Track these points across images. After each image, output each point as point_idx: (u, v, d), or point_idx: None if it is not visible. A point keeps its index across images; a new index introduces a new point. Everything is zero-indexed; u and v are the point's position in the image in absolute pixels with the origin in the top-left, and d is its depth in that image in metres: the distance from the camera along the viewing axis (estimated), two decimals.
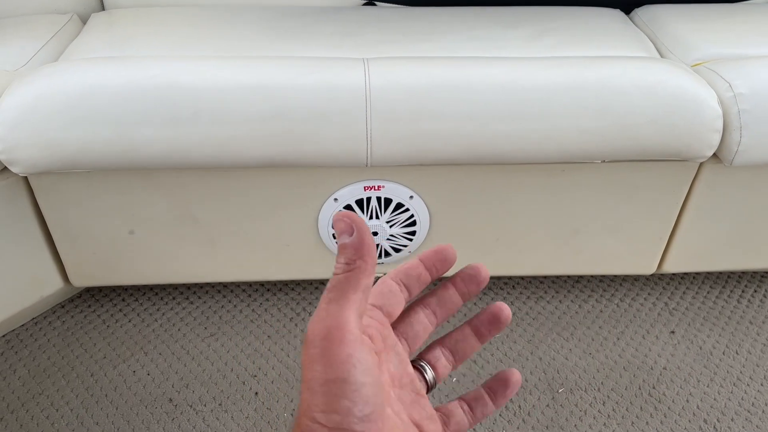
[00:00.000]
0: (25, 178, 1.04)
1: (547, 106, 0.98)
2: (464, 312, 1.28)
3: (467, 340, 0.38)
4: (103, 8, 1.38)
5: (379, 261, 1.21)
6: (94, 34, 1.20)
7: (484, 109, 0.97)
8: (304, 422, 0.27)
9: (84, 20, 1.34)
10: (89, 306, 1.29)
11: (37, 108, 0.92)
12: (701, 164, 1.10)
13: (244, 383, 1.14)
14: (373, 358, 0.29)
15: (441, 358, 0.37)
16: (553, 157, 1.02)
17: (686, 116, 0.99)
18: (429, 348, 0.38)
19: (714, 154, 1.05)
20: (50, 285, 1.18)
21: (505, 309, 0.37)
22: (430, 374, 0.36)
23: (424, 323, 0.37)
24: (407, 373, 0.35)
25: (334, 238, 1.15)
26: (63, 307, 1.28)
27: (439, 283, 0.38)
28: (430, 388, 0.36)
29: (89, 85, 0.93)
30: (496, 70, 1.00)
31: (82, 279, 1.20)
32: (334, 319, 0.28)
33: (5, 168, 0.99)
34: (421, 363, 0.37)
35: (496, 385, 0.37)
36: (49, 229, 1.11)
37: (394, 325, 0.36)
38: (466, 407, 0.37)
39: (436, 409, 0.36)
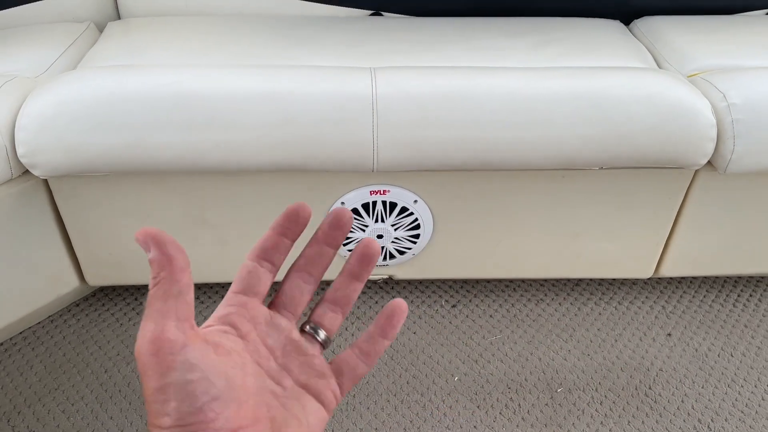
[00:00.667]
0: (45, 181, 1.09)
1: (548, 114, 1.01)
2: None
3: (346, 286, 0.39)
4: (119, 17, 1.43)
5: (385, 263, 1.24)
6: (110, 42, 1.24)
7: (487, 117, 1.01)
8: (150, 430, 0.30)
9: (100, 29, 1.38)
10: (103, 305, 1.33)
11: (58, 114, 0.97)
12: (696, 171, 1.13)
13: None
14: (202, 353, 0.31)
15: (327, 312, 0.39)
16: (553, 163, 1.06)
17: (682, 125, 1.02)
18: (313, 309, 0.39)
19: (708, 162, 1.08)
20: (66, 284, 1.22)
21: (371, 244, 0.38)
22: (321, 335, 0.38)
23: (300, 287, 0.38)
24: (292, 340, 0.37)
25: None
26: (78, 305, 1.32)
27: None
28: (324, 345, 0.38)
29: (107, 92, 0.98)
30: (499, 80, 1.03)
31: (97, 278, 1.24)
32: (149, 333, 0.30)
33: (26, 171, 1.04)
34: (309, 326, 0.38)
35: (384, 320, 0.38)
36: (67, 230, 1.15)
37: (272, 300, 0.38)
38: (358, 351, 0.38)
39: (331, 363, 0.38)
